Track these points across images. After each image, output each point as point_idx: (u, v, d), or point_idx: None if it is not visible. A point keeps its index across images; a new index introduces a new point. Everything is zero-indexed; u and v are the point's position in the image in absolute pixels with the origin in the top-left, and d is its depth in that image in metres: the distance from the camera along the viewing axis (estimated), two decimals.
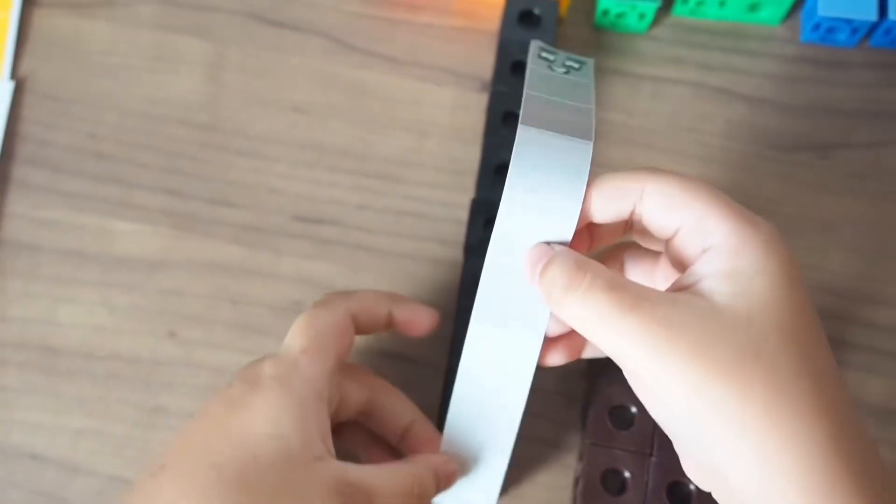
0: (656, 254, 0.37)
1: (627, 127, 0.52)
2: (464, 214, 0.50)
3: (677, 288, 0.33)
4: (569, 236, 0.35)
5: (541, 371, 0.47)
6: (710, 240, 0.32)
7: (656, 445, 0.44)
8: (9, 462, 0.47)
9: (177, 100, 0.53)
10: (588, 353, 0.39)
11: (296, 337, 0.38)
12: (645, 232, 0.35)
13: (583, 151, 0.35)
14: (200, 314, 0.49)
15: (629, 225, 0.36)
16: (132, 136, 0.52)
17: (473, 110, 0.52)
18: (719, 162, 0.52)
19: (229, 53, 0.54)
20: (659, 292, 0.32)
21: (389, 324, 0.42)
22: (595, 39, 0.54)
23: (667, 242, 0.35)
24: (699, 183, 0.33)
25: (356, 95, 0.53)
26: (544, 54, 0.42)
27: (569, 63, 0.42)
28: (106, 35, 0.54)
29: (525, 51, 0.48)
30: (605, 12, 0.52)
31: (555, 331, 0.38)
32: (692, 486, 0.43)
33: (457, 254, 0.50)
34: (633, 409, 0.44)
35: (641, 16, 0.52)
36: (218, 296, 0.49)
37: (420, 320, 0.43)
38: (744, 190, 0.51)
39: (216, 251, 0.50)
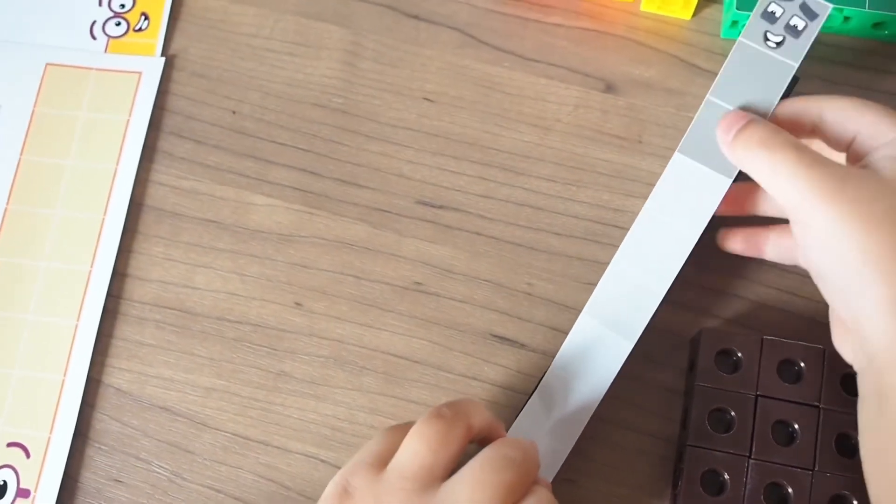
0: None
1: None
2: (580, 209, 0.52)
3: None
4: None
5: (643, 363, 0.49)
6: (883, 138, 0.40)
7: (755, 448, 0.45)
8: (143, 412, 0.50)
9: (315, 83, 0.56)
10: (770, 254, 0.47)
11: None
12: (826, 139, 0.43)
13: (720, 185, 0.44)
14: (325, 287, 0.52)
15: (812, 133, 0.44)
16: (272, 116, 0.55)
17: (595, 109, 0.54)
18: None
19: (366, 42, 0.56)
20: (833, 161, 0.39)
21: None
22: (720, 47, 0.55)
23: (847, 147, 0.42)
24: (866, 101, 0.41)
25: (484, 89, 0.55)
26: (772, 7, 0.45)
27: (794, 21, 0.45)
28: (252, 18, 0.57)
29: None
30: (734, 23, 0.53)
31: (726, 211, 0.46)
32: (789, 489, 0.44)
33: (569, 245, 0.52)
34: (732, 413, 0.45)
35: None
36: (342, 271, 0.52)
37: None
38: None
39: (343, 229, 0.53)
